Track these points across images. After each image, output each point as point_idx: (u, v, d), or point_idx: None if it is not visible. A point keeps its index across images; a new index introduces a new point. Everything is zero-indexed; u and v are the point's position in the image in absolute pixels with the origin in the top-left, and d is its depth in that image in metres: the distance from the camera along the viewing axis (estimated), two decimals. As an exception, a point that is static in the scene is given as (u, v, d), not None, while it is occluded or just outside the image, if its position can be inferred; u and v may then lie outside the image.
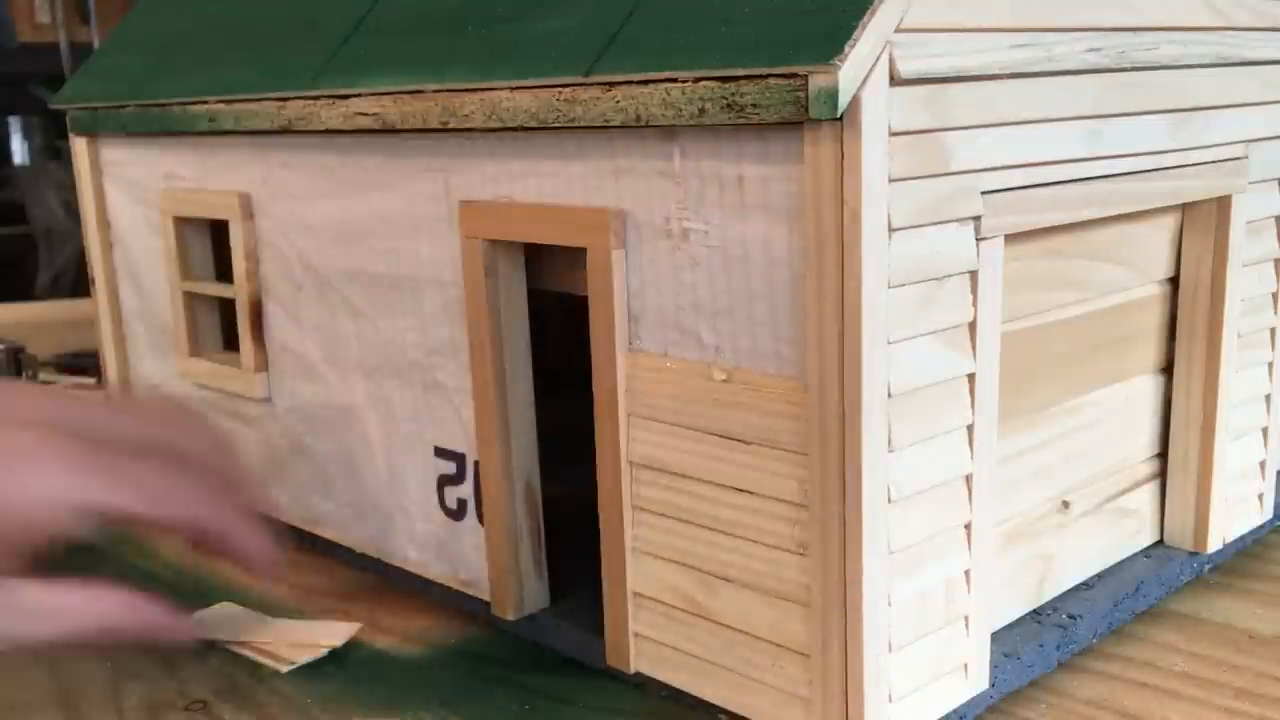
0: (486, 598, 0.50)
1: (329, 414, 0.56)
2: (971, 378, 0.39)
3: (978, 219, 0.38)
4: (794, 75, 0.33)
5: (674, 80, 0.36)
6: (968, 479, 0.40)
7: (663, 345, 0.40)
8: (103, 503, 0.37)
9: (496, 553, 0.49)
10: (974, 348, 0.39)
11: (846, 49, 0.32)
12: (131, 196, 0.66)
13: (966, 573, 0.40)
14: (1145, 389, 0.51)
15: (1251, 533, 0.55)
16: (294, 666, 0.48)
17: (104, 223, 0.69)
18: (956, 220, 0.37)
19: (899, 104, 0.34)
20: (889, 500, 0.37)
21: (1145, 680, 0.45)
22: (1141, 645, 0.47)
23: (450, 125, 0.44)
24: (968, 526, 0.40)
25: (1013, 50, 0.38)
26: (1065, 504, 0.47)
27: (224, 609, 0.53)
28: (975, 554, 0.40)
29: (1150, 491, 0.52)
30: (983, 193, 0.38)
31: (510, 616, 0.49)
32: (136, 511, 0.38)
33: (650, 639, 0.44)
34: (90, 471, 0.37)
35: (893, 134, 0.34)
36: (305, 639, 0.49)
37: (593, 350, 0.42)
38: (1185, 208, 0.49)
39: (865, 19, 0.33)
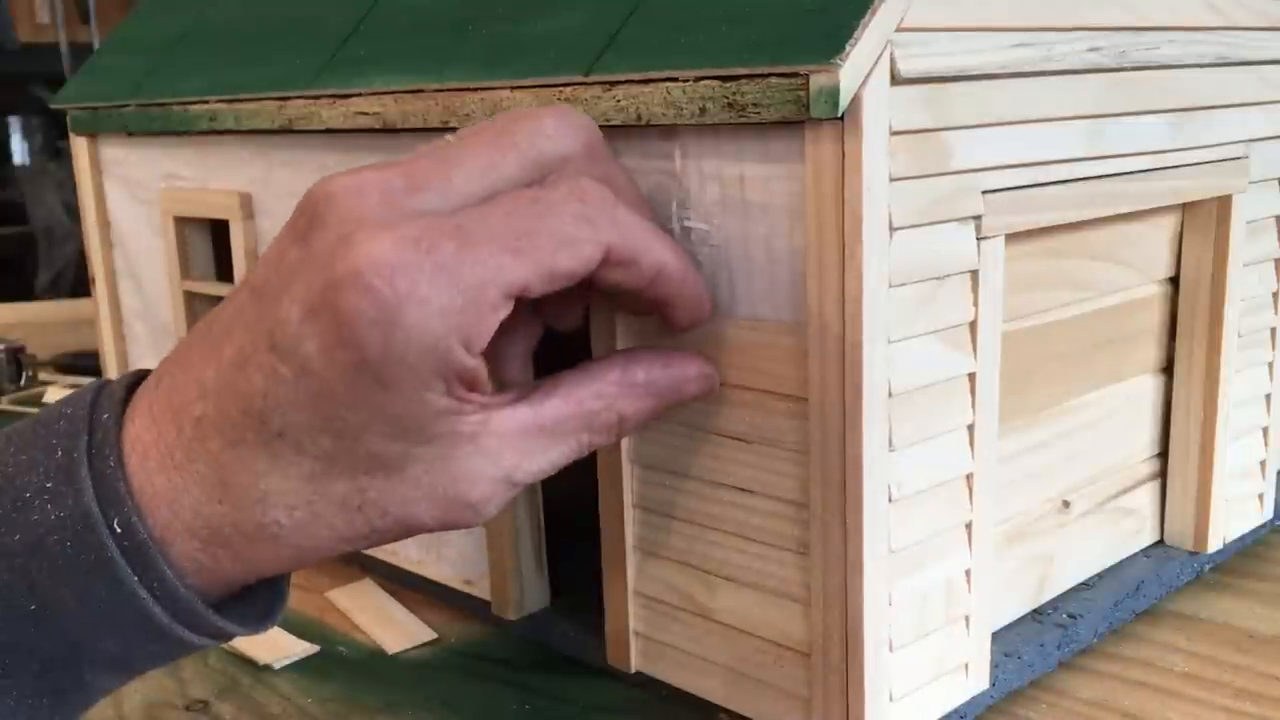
0: (487, 598, 0.50)
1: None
2: (972, 377, 0.39)
3: (978, 218, 0.38)
4: (795, 74, 0.33)
5: (674, 79, 0.36)
6: (968, 478, 0.40)
7: (663, 345, 0.40)
8: (526, 278, 0.31)
9: (496, 553, 0.49)
10: (974, 347, 0.39)
11: (847, 48, 0.32)
12: (131, 196, 0.66)
13: (967, 572, 0.40)
14: (1145, 389, 0.51)
15: (1251, 533, 0.55)
16: (286, 662, 0.48)
17: (104, 223, 0.69)
18: (957, 219, 0.37)
19: (899, 103, 0.34)
20: (889, 500, 0.37)
21: (1145, 680, 0.45)
22: (1142, 645, 0.47)
23: (451, 125, 0.44)
24: (968, 526, 0.40)
25: (1013, 49, 0.38)
26: (1065, 504, 0.47)
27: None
28: (976, 554, 0.40)
29: (1150, 491, 0.52)
30: (983, 192, 0.38)
31: (510, 616, 0.49)
32: (551, 270, 0.31)
33: (650, 638, 0.44)
34: (475, 250, 0.30)
35: (893, 133, 0.34)
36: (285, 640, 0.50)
37: (593, 349, 0.42)
38: (1185, 207, 0.49)
39: (866, 18, 0.33)
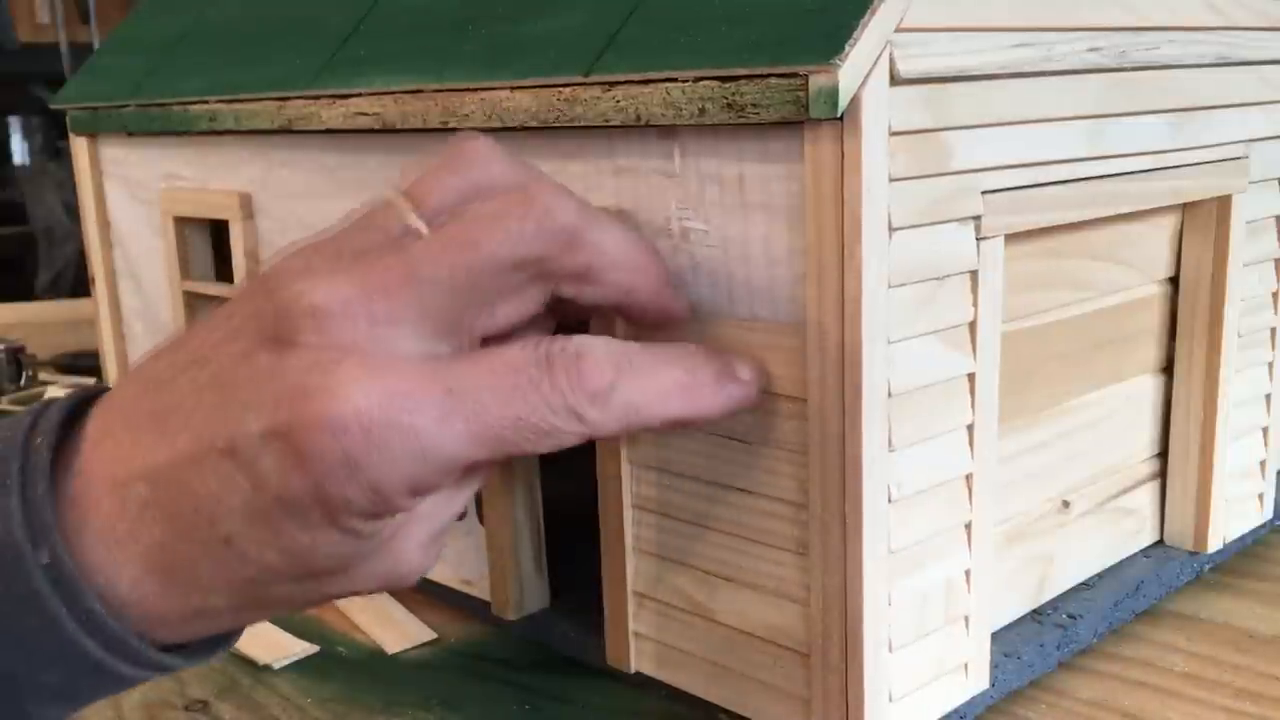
0: (486, 598, 0.50)
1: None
2: (972, 377, 0.39)
3: (978, 218, 0.38)
4: (794, 75, 0.33)
5: (674, 80, 0.36)
6: (968, 479, 0.40)
7: (663, 345, 0.40)
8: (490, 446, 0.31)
9: (496, 553, 0.49)
10: (974, 347, 0.39)
11: (847, 49, 0.32)
12: (131, 196, 0.66)
13: (967, 573, 0.40)
14: (1145, 389, 0.51)
15: (1251, 533, 0.55)
16: (285, 663, 0.48)
17: (104, 223, 0.69)
18: (957, 220, 0.37)
19: (899, 103, 0.34)
20: (889, 500, 0.37)
21: (1145, 680, 0.45)
22: (1141, 645, 0.47)
23: (450, 125, 0.44)
24: (968, 526, 0.40)
25: (1013, 49, 0.38)
26: (1065, 504, 0.47)
27: None
28: (975, 554, 0.40)
29: (1150, 491, 0.52)
30: (983, 192, 0.38)
31: (510, 616, 0.49)
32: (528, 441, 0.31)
33: (650, 639, 0.44)
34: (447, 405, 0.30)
35: (893, 134, 0.34)
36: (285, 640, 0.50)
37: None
38: (1185, 207, 0.49)
39: (865, 18, 0.33)
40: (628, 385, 0.33)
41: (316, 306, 0.30)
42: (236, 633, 0.34)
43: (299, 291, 0.30)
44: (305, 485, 0.29)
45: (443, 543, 0.34)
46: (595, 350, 0.32)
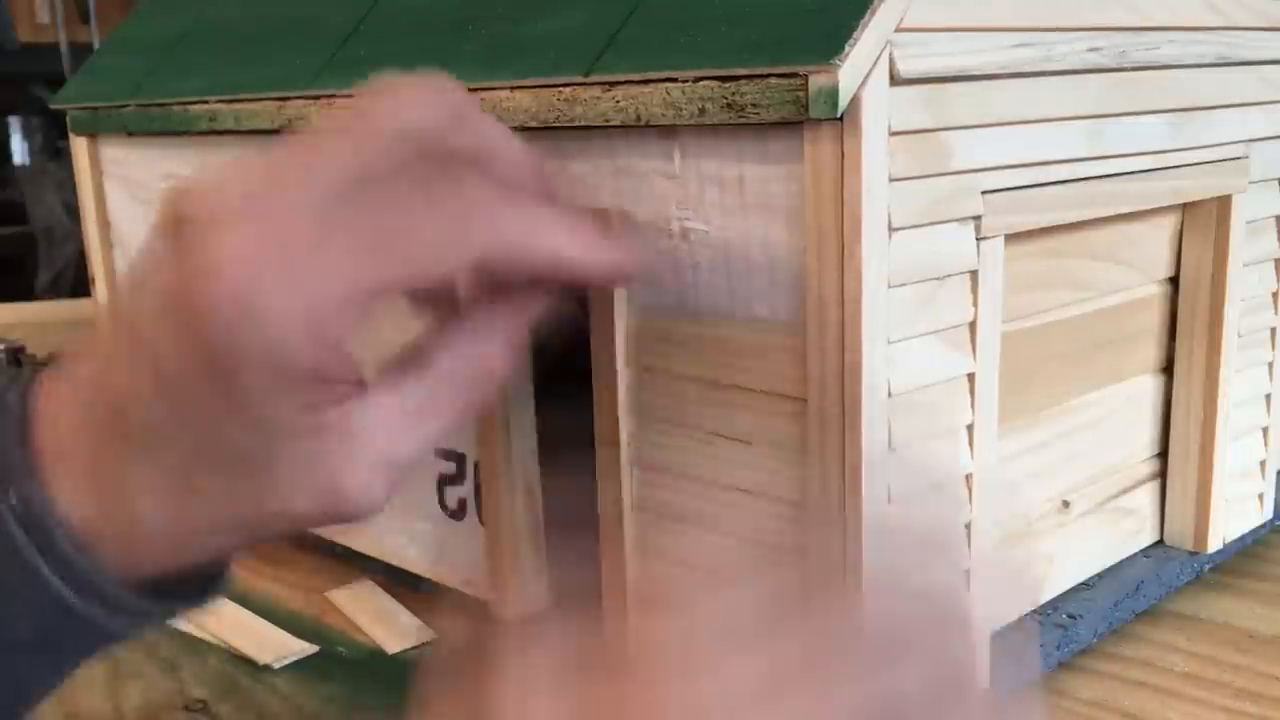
0: (486, 598, 0.50)
1: (329, 414, 0.56)
2: (971, 378, 0.39)
3: (978, 218, 0.38)
4: (794, 75, 0.33)
5: (674, 80, 0.36)
6: (968, 479, 0.40)
7: (663, 345, 0.40)
8: (391, 280, 0.30)
9: (496, 553, 0.49)
10: (974, 347, 0.39)
11: (847, 49, 0.32)
12: (131, 196, 0.66)
13: (966, 572, 0.40)
14: (1145, 389, 0.51)
15: (1251, 533, 0.55)
16: (285, 663, 0.48)
17: (104, 223, 0.69)
18: (957, 220, 0.37)
19: (899, 103, 0.34)
20: (889, 500, 0.37)
21: (1145, 680, 0.45)
22: (1141, 645, 0.47)
23: (450, 125, 0.44)
24: (968, 526, 0.40)
25: (1013, 49, 0.38)
26: (1065, 504, 0.47)
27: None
28: (975, 554, 0.40)
29: (1150, 491, 0.52)
30: (983, 192, 0.38)
31: (510, 616, 0.49)
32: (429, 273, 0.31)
33: (650, 639, 0.43)
34: (355, 243, 0.29)
35: (893, 134, 0.34)
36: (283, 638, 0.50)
37: (593, 349, 0.42)
38: (1185, 207, 0.49)
39: (865, 19, 0.33)
40: (512, 208, 0.32)
41: (198, 190, 0.30)
42: (215, 581, 0.34)
43: (197, 193, 0.30)
44: (198, 345, 0.29)
45: (395, 479, 0.32)
46: (483, 176, 0.32)
